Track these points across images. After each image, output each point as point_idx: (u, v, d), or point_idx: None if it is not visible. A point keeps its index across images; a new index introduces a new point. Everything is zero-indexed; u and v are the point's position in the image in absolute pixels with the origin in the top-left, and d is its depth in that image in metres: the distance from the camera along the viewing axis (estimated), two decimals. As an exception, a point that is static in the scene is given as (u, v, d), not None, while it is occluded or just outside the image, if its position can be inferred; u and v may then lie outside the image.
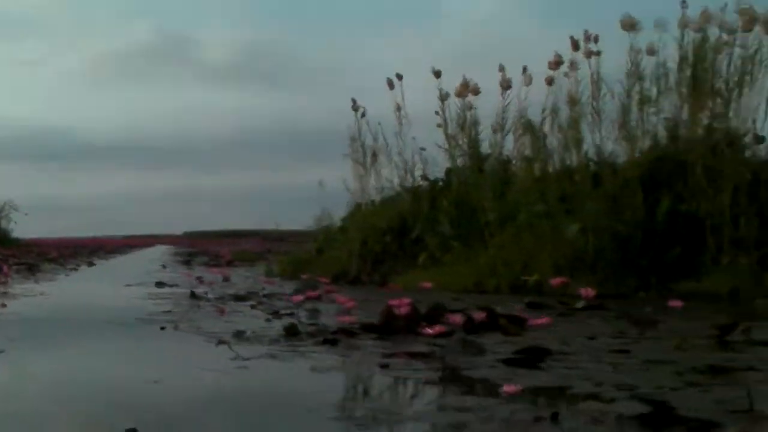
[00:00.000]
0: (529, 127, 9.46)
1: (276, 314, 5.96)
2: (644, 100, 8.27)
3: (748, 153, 7.79)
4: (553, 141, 9.40)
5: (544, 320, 4.81)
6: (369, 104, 11.49)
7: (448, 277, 8.16)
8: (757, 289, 6.74)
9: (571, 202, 8.27)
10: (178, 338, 4.82)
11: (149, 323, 5.49)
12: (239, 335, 4.76)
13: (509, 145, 10.51)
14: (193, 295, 7.48)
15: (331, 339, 4.50)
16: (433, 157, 10.96)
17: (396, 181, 10.90)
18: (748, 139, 7.80)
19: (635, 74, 8.42)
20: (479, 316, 4.85)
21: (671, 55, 8.42)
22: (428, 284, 6.99)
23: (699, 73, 8.18)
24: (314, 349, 4.23)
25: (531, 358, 3.75)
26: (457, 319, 4.75)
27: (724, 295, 6.72)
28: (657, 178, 7.93)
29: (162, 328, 5.13)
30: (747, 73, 7.93)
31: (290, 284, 8.62)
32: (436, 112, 11.20)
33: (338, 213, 11.98)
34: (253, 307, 6.61)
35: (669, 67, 8.41)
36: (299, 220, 13.00)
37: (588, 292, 5.99)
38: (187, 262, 16.11)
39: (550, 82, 10.26)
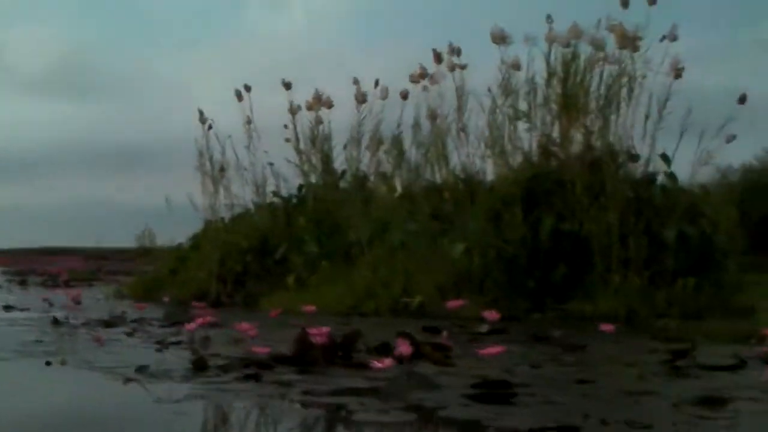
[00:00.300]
0: (396, 143, 9.17)
1: (162, 343, 5.42)
2: (517, 116, 8.13)
3: (623, 171, 7.74)
4: (415, 157, 9.17)
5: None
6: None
7: (323, 299, 7.75)
8: (650, 309, 6.69)
9: (445, 221, 8.03)
10: (73, 376, 4.24)
11: (27, 356, 4.84)
12: (142, 370, 4.22)
13: (364, 160, 10.30)
14: (56, 321, 6.79)
15: (253, 374, 4.04)
16: (284, 173, 10.59)
17: (248, 197, 10.42)
18: (624, 157, 7.74)
19: (506, 89, 8.27)
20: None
21: (541, 71, 8.32)
22: (311, 307, 6.55)
23: (570, 90, 8.12)
24: (239, 386, 3.77)
25: (496, 393, 3.44)
26: (406, 349, 4.37)
27: (620, 317, 6.62)
28: (534, 196, 7.80)
29: (48, 363, 4.49)
30: (619, 91, 7.91)
31: (152, 307, 8.00)
32: (285, 126, 10.84)
33: (177, 231, 11.43)
34: (129, 334, 6.02)
35: (538, 83, 8.32)
36: (120, 237, 12.33)
37: (492, 315, 5.73)
38: (23, 282, 14.99)
39: (405, 96, 10.07)
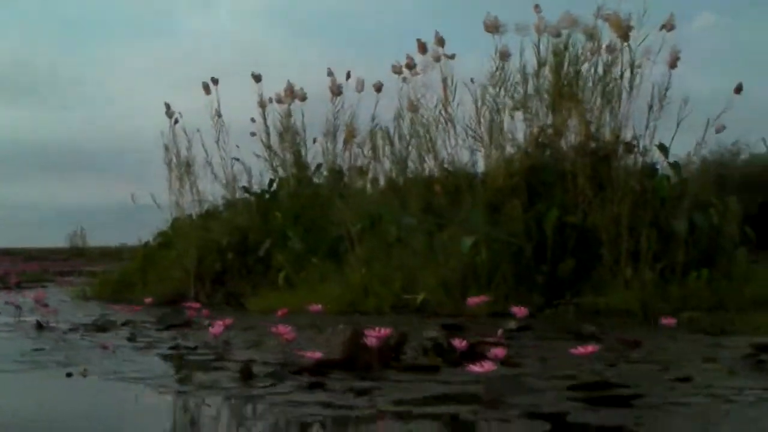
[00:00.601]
0: (377, 136, 8.84)
1: (176, 348, 5.05)
2: (515, 106, 7.87)
3: (626, 162, 7.54)
4: (399, 149, 8.85)
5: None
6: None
7: (317, 298, 7.38)
8: (664, 303, 6.49)
9: (440, 215, 7.74)
10: (107, 388, 3.83)
11: (38, 367, 4.42)
12: (186, 381, 3.87)
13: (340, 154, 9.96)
14: (40, 326, 6.35)
15: (316, 382, 3.70)
16: (252, 168, 10.19)
17: (221, 193, 10.00)
18: (625, 147, 7.54)
19: (500, 78, 8.01)
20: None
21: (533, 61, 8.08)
22: (316, 306, 6.19)
23: (564, 80, 7.90)
24: (311, 397, 3.42)
25: (612, 395, 3.18)
26: (461, 345, 4.09)
27: (636, 311, 6.41)
28: (533, 188, 7.56)
29: (69, 375, 4.07)
30: (616, 81, 7.70)
31: (129, 309, 7.53)
32: (252, 120, 10.44)
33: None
34: (130, 339, 5.62)
35: (530, 73, 8.07)
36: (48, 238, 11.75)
37: (521, 311, 5.47)
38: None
39: (378, 89, 9.77)
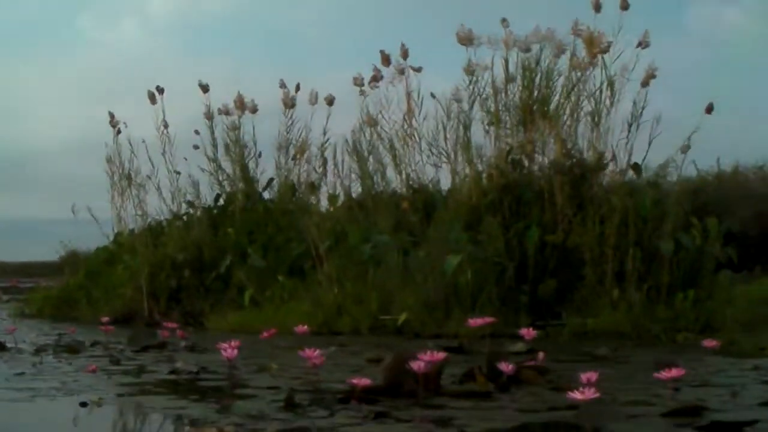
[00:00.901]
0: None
1: (176, 373, 4.70)
2: (490, 121, 7.71)
3: (603, 180, 7.45)
4: (356, 166, 8.59)
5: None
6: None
7: (287, 318, 7.10)
8: (654, 324, 6.40)
9: (411, 233, 7.52)
10: (154, 422, 3.47)
11: (36, 394, 3.99)
12: (227, 410, 3.54)
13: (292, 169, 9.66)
14: (3, 347, 5.89)
15: (380, 412, 3.41)
16: (198, 181, 9.81)
17: (165, 207, 9.57)
18: (600, 165, 7.44)
19: (472, 93, 7.85)
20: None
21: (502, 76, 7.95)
22: (303, 328, 5.89)
23: (536, 96, 7.79)
24: (381, 428, 3.15)
25: (723, 423, 2.99)
26: (507, 369, 3.87)
27: (628, 333, 6.30)
28: (507, 206, 7.39)
29: (83, 405, 3.68)
30: (589, 98, 7.63)
31: (82, 329, 7.08)
32: (196, 132, 10.06)
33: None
34: (114, 362, 5.24)
35: (500, 88, 7.93)
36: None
37: (529, 332, 5.27)
38: None
39: (330, 102, 9.52)
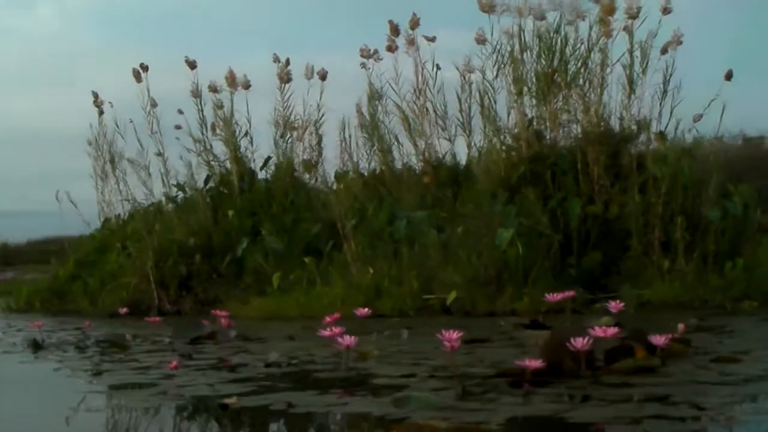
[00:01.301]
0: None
1: (276, 365, 4.36)
2: (519, 91, 7.47)
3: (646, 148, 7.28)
4: (376, 141, 8.27)
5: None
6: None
7: (318, 302, 6.79)
8: (708, 292, 6.27)
9: (443, 207, 7.26)
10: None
11: (156, 402, 3.60)
12: (402, 403, 3.22)
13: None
14: (36, 345, 5.49)
15: (586, 395, 3.16)
16: (190, 162, 9.35)
17: (160, 190, 9.10)
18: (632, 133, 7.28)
19: (497, 61, 7.60)
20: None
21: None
22: (364, 310, 5.57)
23: (557, 65, 7.58)
24: (592, 411, 2.90)
25: None
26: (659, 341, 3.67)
27: (693, 303, 6.16)
28: (539, 177, 7.18)
29: (223, 407, 3.32)
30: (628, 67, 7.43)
31: (97, 322, 6.62)
32: (180, 111, 9.59)
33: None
34: (184, 357, 4.84)
35: (522, 58, 7.70)
36: None
37: (616, 305, 5.08)
38: None
39: (323, 77, 9.16)
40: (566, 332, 3.70)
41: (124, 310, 6.81)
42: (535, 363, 3.45)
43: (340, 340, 4.21)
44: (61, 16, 38.92)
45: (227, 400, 3.39)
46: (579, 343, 3.53)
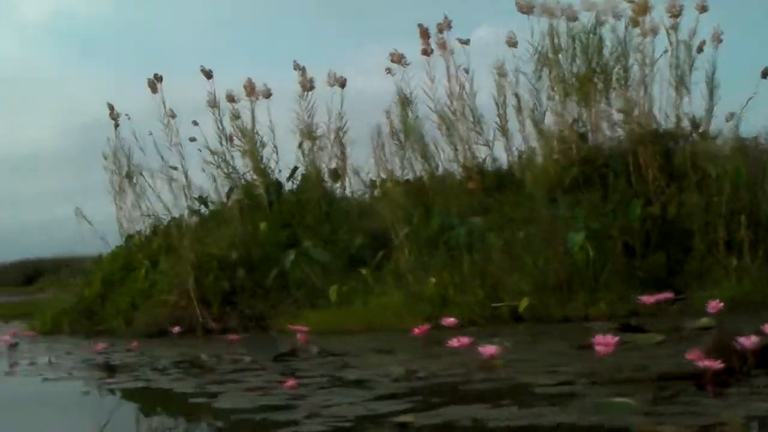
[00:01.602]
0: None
1: (395, 380, 4.19)
2: (566, 91, 7.38)
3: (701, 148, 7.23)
4: (418, 148, 8.13)
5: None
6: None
7: (384, 313, 6.63)
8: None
9: (496, 212, 7.15)
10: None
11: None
12: (599, 409, 3.09)
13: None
14: (110, 369, 5.31)
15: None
16: (214, 176, 9.13)
17: (183, 204, 8.86)
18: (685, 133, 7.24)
19: (542, 62, 7.51)
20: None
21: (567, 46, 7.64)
22: (450, 320, 5.44)
23: (600, 66, 7.53)
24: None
25: None
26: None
27: (761, 302, 6.10)
28: (589, 179, 7.12)
29: (402, 426, 3.14)
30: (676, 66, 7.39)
31: (146, 345, 6.39)
32: (194, 122, 9.37)
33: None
34: (288, 374, 4.64)
35: (561, 59, 7.63)
36: None
37: (715, 305, 5.02)
38: None
39: (342, 84, 9.01)
40: (731, 332, 3.65)
41: (176, 329, 6.57)
42: (716, 364, 3.37)
43: (481, 350, 4.07)
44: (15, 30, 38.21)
45: (403, 418, 3.24)
46: (748, 342, 3.49)
